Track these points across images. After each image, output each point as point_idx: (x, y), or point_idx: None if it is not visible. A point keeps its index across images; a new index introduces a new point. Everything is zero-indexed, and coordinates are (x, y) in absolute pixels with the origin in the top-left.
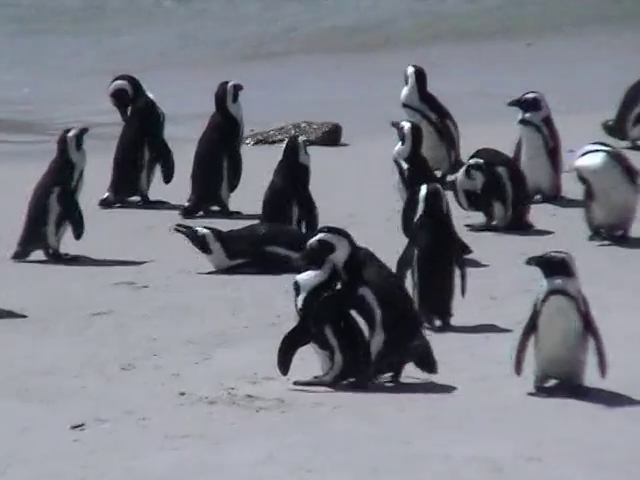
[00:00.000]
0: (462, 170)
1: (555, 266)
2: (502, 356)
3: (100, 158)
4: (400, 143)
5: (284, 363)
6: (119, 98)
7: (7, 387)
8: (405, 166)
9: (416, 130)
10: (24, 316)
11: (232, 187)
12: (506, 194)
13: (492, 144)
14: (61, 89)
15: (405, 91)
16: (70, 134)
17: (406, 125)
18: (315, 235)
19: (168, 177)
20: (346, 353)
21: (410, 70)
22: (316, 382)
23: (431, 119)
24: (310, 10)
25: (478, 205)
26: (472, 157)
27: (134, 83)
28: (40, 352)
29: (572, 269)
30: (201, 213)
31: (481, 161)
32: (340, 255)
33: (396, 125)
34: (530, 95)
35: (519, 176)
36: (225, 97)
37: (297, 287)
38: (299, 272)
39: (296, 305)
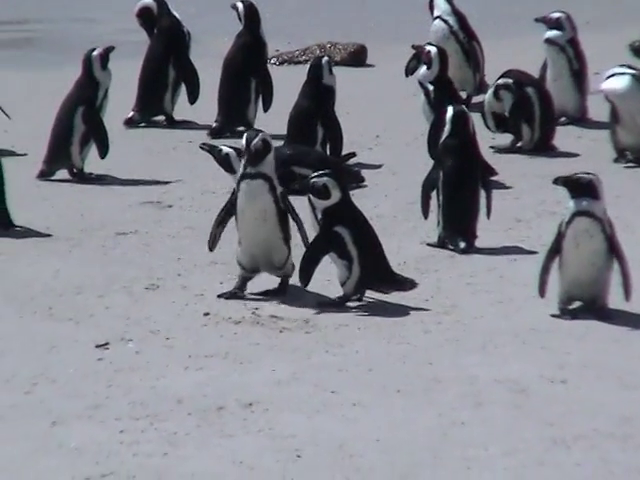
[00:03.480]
0: (490, 91)
1: (582, 187)
2: (527, 278)
3: (126, 77)
4: (425, 67)
5: (306, 274)
6: (144, 17)
7: (33, 306)
8: (431, 88)
9: (443, 54)
10: (49, 235)
11: (267, 106)
12: (534, 115)
13: (518, 63)
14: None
15: (440, 4)
16: (95, 53)
17: (432, 49)
18: (255, 137)
19: (193, 97)
20: (364, 263)
21: None
22: (339, 301)
23: (459, 37)
24: None
25: (506, 127)
26: (501, 77)
27: (159, 2)
28: (66, 271)
29: (599, 191)
30: (227, 134)
31: (510, 81)
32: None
33: (419, 48)
34: (555, 14)
35: (547, 97)
36: (255, 17)
37: (311, 202)
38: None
39: (315, 217)
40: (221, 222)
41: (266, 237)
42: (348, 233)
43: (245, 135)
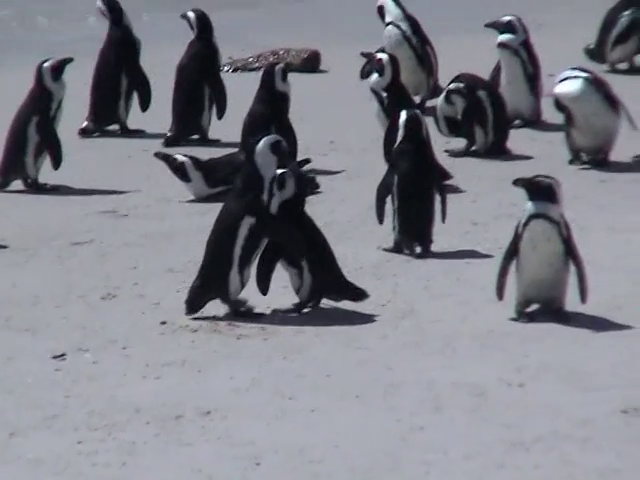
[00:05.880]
0: (442, 96)
1: (541, 190)
2: (484, 281)
3: (81, 86)
4: (377, 74)
5: (263, 282)
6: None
7: None
8: (384, 95)
9: (394, 61)
10: (4, 246)
11: (220, 114)
12: (487, 118)
13: (471, 66)
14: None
15: (391, 10)
16: (46, 65)
17: (384, 57)
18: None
19: (145, 105)
20: (315, 271)
21: None
22: (295, 308)
23: (412, 42)
24: None
25: (459, 131)
26: (452, 82)
27: (113, 7)
28: (22, 282)
29: (557, 195)
30: (182, 142)
31: (461, 85)
32: None
33: (369, 56)
34: (506, 18)
35: (500, 100)
36: (207, 25)
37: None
38: None
39: None
40: None
41: None
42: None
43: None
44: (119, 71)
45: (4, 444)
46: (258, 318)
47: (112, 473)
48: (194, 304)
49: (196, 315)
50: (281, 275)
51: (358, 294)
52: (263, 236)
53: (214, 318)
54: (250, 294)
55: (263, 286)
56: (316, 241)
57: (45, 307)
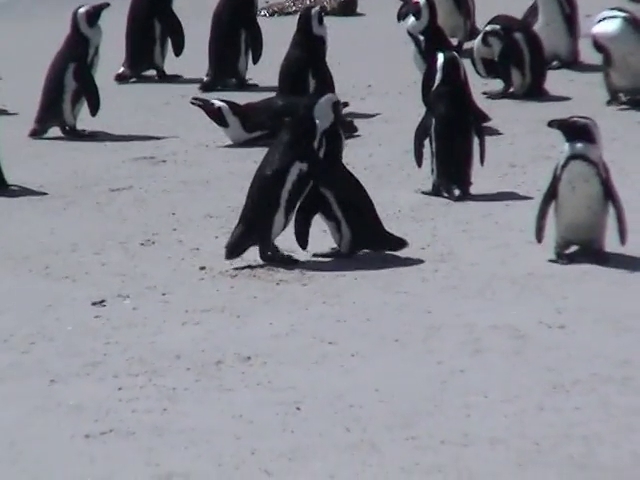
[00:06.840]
0: (479, 37)
1: (577, 131)
2: (523, 223)
3: (118, 32)
4: (414, 17)
5: (302, 237)
6: None
7: (29, 265)
8: (421, 38)
9: (431, 4)
10: (44, 194)
11: (256, 59)
12: (524, 60)
13: (509, 8)
14: None
15: None
16: (81, 10)
17: (421, 0)
18: None
19: (179, 50)
20: (353, 224)
21: None
22: (334, 253)
23: None
24: None
25: (496, 72)
26: (489, 24)
27: None
28: (61, 229)
29: (594, 135)
30: (219, 87)
31: (498, 27)
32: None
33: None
34: None
35: (536, 42)
36: None
37: None
38: None
39: None
40: None
41: None
42: (332, 195)
43: None
44: (152, 16)
45: (45, 391)
46: (295, 264)
47: (153, 419)
48: (234, 249)
49: (235, 261)
50: (319, 219)
51: (398, 244)
52: (311, 182)
53: (253, 264)
54: (288, 240)
55: (302, 241)
56: (354, 193)
57: (84, 254)
